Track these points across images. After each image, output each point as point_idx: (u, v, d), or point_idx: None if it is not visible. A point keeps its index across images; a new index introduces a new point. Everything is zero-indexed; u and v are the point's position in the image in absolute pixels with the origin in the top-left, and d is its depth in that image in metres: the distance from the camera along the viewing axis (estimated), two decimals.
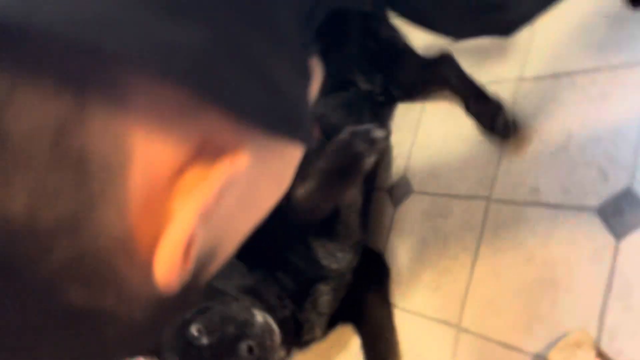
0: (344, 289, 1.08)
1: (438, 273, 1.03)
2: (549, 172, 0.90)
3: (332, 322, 1.10)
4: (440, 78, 1.09)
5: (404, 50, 1.13)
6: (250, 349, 0.86)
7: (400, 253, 1.12)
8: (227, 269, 0.99)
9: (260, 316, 0.90)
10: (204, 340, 0.86)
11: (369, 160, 0.88)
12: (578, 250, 0.83)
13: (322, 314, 1.08)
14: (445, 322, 0.97)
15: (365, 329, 1.08)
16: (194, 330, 0.86)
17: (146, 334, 0.28)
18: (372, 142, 0.88)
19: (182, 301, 0.27)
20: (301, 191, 1.05)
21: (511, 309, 0.88)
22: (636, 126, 0.81)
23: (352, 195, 1.07)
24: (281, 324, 0.99)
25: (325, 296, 1.09)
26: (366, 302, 1.09)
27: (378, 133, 0.88)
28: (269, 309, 0.97)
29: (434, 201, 1.09)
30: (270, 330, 0.91)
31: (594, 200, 0.83)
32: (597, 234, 0.81)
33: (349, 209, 1.06)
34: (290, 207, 0.96)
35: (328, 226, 1.03)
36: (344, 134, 0.89)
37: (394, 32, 1.13)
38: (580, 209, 0.84)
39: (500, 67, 1.06)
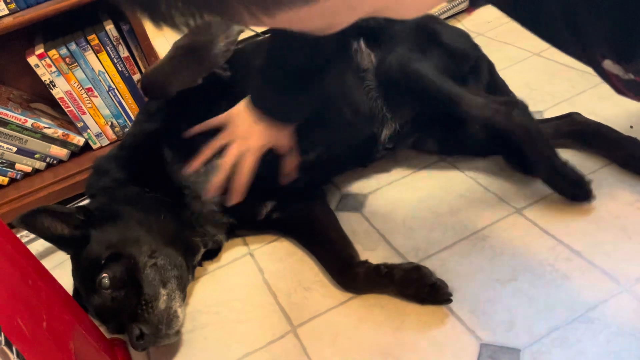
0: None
1: (313, 281, 1.00)
2: (477, 289, 0.89)
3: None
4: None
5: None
6: (140, 335, 0.88)
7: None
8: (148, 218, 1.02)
9: (163, 300, 0.92)
10: (109, 292, 0.91)
11: (219, 45, 1.02)
12: (439, 356, 0.81)
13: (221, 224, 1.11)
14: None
15: (320, 237, 1.06)
16: (103, 277, 0.91)
17: None
18: (225, 30, 1.02)
19: None
20: (153, 64, 1.16)
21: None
22: (569, 314, 0.81)
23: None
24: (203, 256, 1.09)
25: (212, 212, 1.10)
26: (314, 216, 1.10)
27: (234, 26, 1.04)
28: (193, 253, 1.05)
29: (369, 232, 1.07)
30: (168, 319, 0.92)
31: (486, 335, 0.82)
32: (465, 358, 0.79)
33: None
34: (142, 82, 1.10)
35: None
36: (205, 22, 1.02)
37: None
38: (470, 330, 0.83)
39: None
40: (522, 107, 1.01)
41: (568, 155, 1.08)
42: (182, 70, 1.03)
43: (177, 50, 1.04)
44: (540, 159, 0.98)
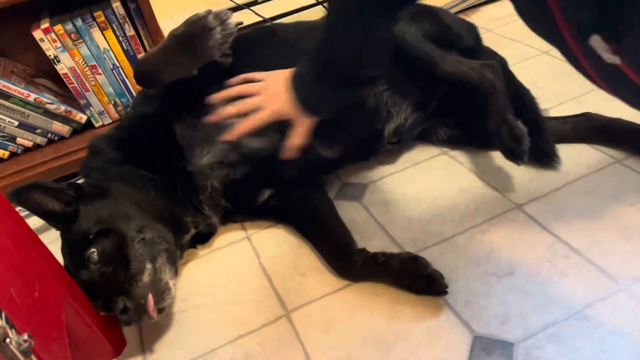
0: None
1: (309, 268, 1.00)
2: (473, 282, 0.89)
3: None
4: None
5: None
6: (124, 309, 0.87)
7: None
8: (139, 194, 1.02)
9: (147, 274, 0.91)
10: (97, 266, 0.90)
11: (216, 37, 0.99)
12: (431, 347, 0.81)
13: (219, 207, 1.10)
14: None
15: (318, 224, 1.06)
16: (92, 252, 0.90)
17: None
18: (223, 21, 1.00)
19: None
20: (147, 51, 1.11)
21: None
22: (566, 310, 0.80)
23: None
24: (192, 238, 1.08)
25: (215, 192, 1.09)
26: (312, 203, 1.10)
27: (232, 19, 1.01)
28: (183, 232, 1.04)
29: (367, 221, 1.07)
30: (160, 291, 0.91)
31: (480, 327, 0.81)
32: (458, 349, 0.79)
33: None
34: (134, 71, 1.08)
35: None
36: (203, 12, 1.00)
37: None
38: (464, 322, 0.82)
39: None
40: (495, 68, 1.09)
41: (576, 151, 1.08)
42: (176, 60, 1.01)
43: (172, 40, 1.02)
44: (497, 111, 1.04)
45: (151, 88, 1.08)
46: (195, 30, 1.00)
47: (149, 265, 0.91)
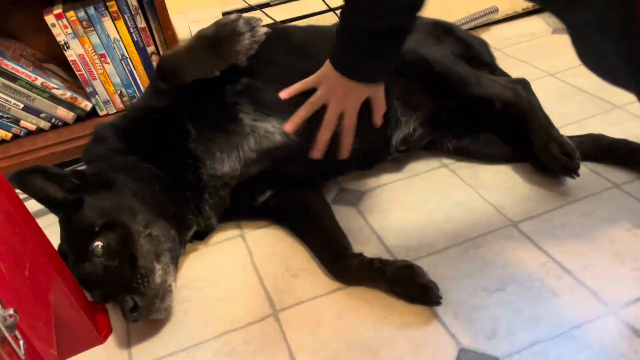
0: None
1: (301, 269, 1.00)
2: (463, 294, 0.89)
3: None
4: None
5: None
6: (134, 307, 0.87)
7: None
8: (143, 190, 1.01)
9: (159, 275, 0.91)
10: (102, 260, 0.90)
11: (244, 42, 0.99)
12: (416, 356, 0.81)
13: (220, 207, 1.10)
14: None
15: (315, 226, 1.06)
16: (97, 245, 0.90)
17: None
18: (253, 27, 1.00)
19: None
20: (172, 48, 1.18)
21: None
22: (553, 329, 0.80)
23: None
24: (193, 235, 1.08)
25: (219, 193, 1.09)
26: (310, 205, 1.10)
27: (261, 26, 1.02)
28: (186, 228, 1.04)
29: (362, 227, 1.07)
30: (163, 293, 0.91)
31: (466, 340, 0.81)
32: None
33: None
34: (158, 64, 1.07)
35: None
36: (234, 16, 1.01)
37: None
38: (451, 334, 0.82)
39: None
40: (526, 84, 1.12)
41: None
42: (201, 60, 1.01)
43: (200, 40, 1.02)
44: (541, 128, 1.06)
45: (171, 84, 1.07)
46: (225, 33, 1.00)
47: (158, 265, 0.91)
